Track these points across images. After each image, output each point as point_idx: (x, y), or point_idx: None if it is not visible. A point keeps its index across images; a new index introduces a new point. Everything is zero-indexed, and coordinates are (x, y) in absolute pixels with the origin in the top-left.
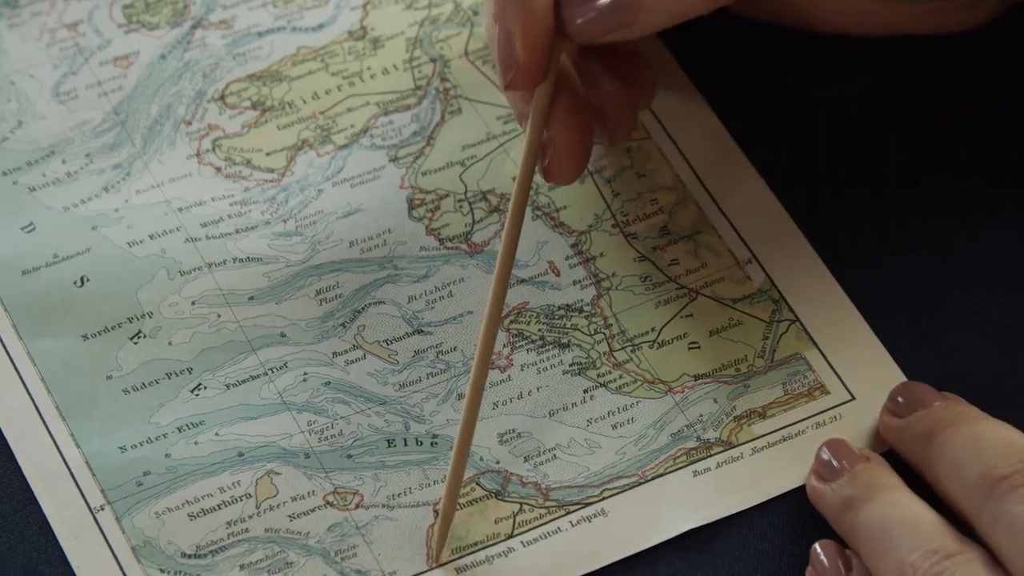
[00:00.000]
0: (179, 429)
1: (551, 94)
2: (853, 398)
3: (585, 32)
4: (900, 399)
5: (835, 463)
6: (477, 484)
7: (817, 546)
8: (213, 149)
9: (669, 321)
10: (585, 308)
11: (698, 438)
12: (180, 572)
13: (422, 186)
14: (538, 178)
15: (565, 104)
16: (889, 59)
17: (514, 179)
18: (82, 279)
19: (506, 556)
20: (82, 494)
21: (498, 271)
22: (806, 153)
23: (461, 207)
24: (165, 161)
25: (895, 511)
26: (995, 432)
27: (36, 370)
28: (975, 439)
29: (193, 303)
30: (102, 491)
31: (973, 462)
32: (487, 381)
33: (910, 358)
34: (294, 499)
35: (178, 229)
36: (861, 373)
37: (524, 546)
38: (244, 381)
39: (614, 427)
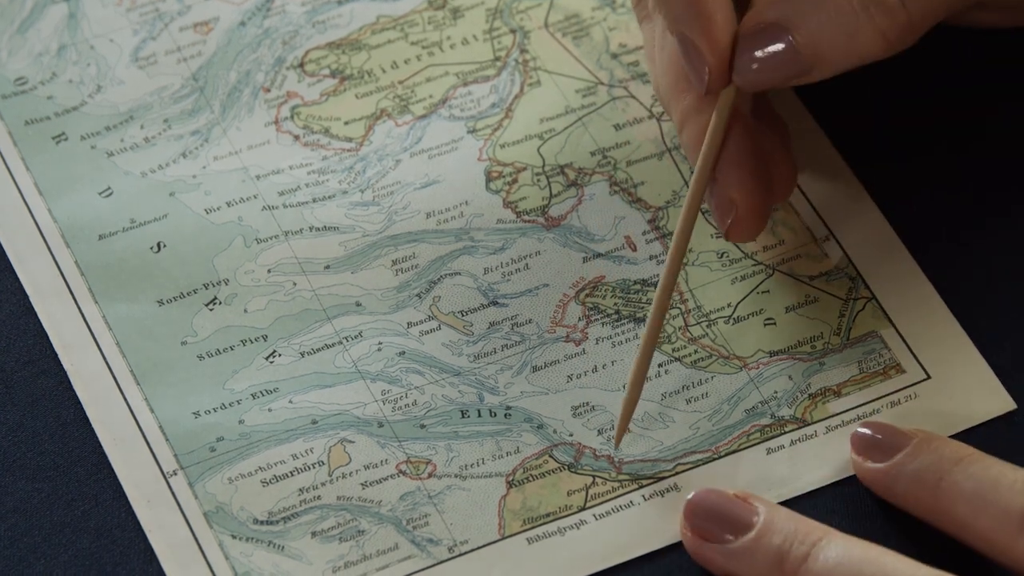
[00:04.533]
0: (253, 396)
1: (730, 104)
2: (929, 377)
3: (758, 79)
4: (879, 437)
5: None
6: (550, 456)
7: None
8: (291, 117)
9: (745, 297)
10: None
11: (772, 415)
12: (252, 538)
13: (500, 158)
14: (617, 137)
15: (739, 149)
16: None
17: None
18: (159, 245)
19: (578, 528)
20: (155, 459)
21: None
22: (885, 130)
23: (538, 180)
24: (243, 128)
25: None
26: (1007, 469)
27: (111, 335)
28: (994, 477)
29: (269, 271)
30: (175, 456)
31: (998, 498)
32: (563, 353)
33: (986, 338)
34: (367, 467)
35: (255, 197)
36: (937, 352)
37: (596, 519)
38: (319, 349)
39: (688, 402)
